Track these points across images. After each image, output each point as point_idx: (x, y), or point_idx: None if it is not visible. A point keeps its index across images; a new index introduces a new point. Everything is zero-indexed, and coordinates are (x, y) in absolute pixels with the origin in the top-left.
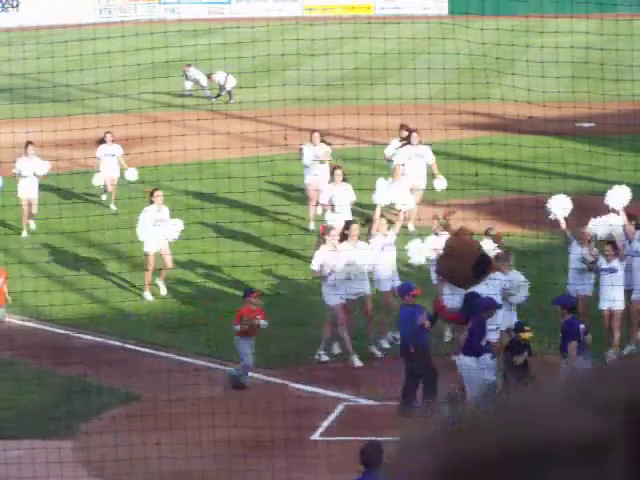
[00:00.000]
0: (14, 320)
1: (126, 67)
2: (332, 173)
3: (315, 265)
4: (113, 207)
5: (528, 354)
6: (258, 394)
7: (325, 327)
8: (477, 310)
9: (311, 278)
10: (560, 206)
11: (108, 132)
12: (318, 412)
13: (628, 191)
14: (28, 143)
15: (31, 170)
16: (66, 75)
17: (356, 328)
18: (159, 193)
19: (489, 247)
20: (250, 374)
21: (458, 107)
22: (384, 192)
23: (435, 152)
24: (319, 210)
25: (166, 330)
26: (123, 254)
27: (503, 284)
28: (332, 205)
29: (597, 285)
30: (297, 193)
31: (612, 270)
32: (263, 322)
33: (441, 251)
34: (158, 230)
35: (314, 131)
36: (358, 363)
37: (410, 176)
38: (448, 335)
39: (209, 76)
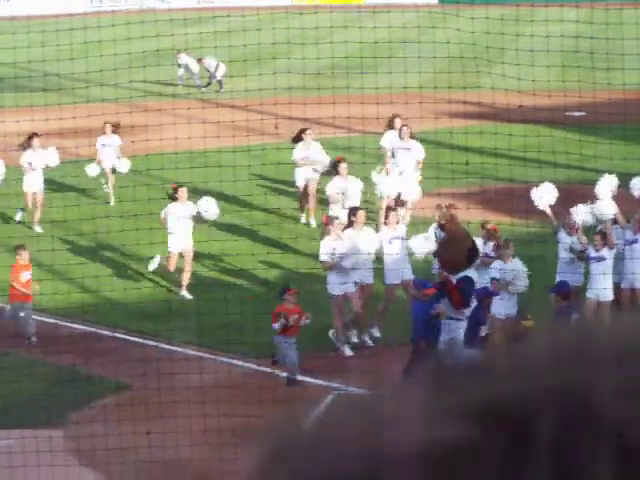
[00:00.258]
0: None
1: (117, 56)
2: (336, 166)
3: (323, 256)
4: (111, 201)
5: None
6: (248, 383)
7: (335, 319)
8: (478, 301)
9: (302, 268)
10: (545, 195)
11: (108, 122)
12: (308, 401)
13: (615, 179)
14: (33, 135)
15: (41, 162)
16: (57, 64)
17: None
18: (183, 189)
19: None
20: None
21: (448, 96)
22: (390, 184)
23: (425, 141)
24: (312, 204)
25: (155, 319)
26: (113, 243)
27: (503, 273)
28: (341, 195)
29: (587, 275)
30: (288, 182)
31: (600, 259)
32: (304, 322)
33: (439, 236)
34: (182, 228)
35: (305, 129)
36: (349, 352)
37: (395, 181)
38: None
39: (199, 60)
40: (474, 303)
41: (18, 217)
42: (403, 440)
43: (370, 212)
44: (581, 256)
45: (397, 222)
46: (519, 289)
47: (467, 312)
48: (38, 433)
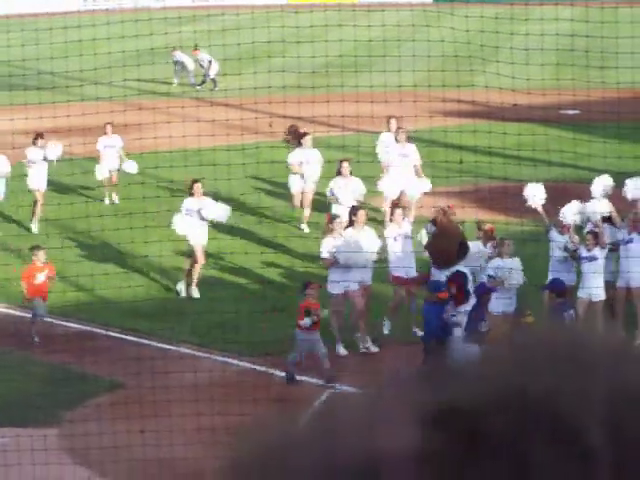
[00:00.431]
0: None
1: (111, 54)
2: (339, 166)
3: (324, 253)
4: (108, 201)
5: None
6: (243, 382)
7: (332, 318)
8: (477, 297)
9: (297, 266)
10: (537, 194)
11: (108, 123)
12: (303, 400)
13: (610, 180)
14: (37, 136)
15: (45, 156)
16: (51, 62)
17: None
18: (199, 185)
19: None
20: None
21: (442, 95)
22: (393, 183)
23: (419, 139)
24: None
25: (149, 318)
26: (108, 241)
27: (499, 271)
28: (337, 198)
29: (578, 274)
30: (283, 181)
31: (592, 258)
32: (325, 311)
33: (431, 231)
34: (197, 223)
35: (305, 134)
36: (343, 352)
37: (397, 181)
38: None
39: (194, 48)
40: (473, 299)
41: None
42: (357, 447)
43: (372, 211)
44: (573, 255)
45: (403, 219)
46: (514, 286)
47: (467, 307)
48: (33, 432)
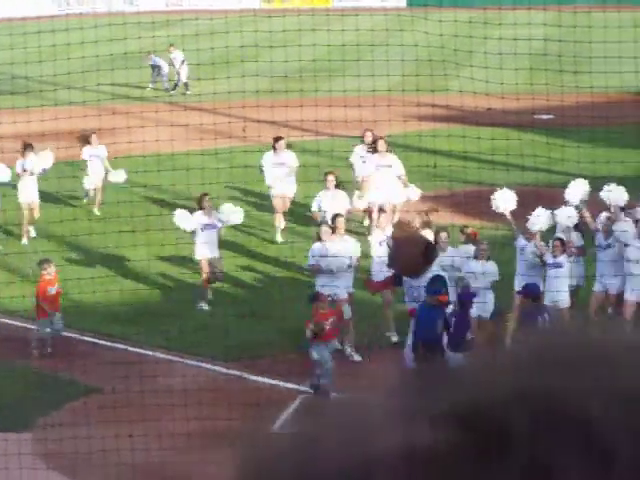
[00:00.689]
0: None
1: (85, 59)
2: (324, 179)
3: (310, 259)
4: (96, 212)
5: None
6: (217, 386)
7: None
8: (463, 303)
9: (270, 271)
10: (506, 200)
11: (94, 132)
12: (277, 404)
13: (586, 184)
14: (26, 146)
15: (37, 167)
16: (25, 67)
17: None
18: (207, 198)
19: (427, 233)
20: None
21: (416, 99)
22: (377, 190)
23: (393, 144)
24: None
25: (124, 322)
26: (81, 245)
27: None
28: (323, 212)
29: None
30: (255, 185)
31: (558, 265)
32: (346, 309)
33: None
34: (209, 236)
35: (279, 138)
36: (358, 358)
37: (380, 189)
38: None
39: (170, 46)
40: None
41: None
42: (384, 443)
43: (352, 221)
44: (543, 261)
45: (387, 225)
46: (479, 289)
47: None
48: (7, 436)
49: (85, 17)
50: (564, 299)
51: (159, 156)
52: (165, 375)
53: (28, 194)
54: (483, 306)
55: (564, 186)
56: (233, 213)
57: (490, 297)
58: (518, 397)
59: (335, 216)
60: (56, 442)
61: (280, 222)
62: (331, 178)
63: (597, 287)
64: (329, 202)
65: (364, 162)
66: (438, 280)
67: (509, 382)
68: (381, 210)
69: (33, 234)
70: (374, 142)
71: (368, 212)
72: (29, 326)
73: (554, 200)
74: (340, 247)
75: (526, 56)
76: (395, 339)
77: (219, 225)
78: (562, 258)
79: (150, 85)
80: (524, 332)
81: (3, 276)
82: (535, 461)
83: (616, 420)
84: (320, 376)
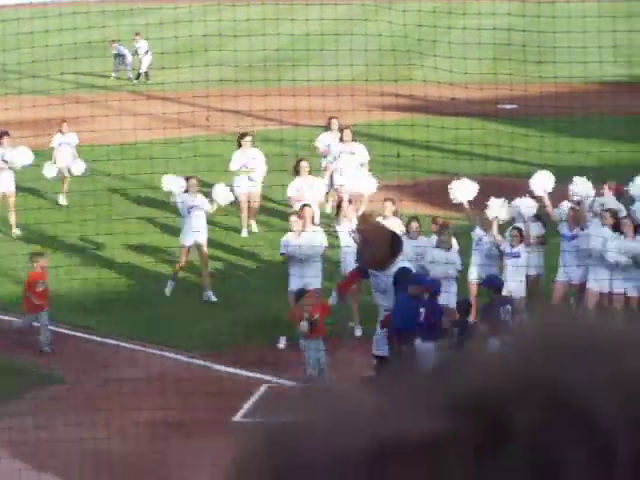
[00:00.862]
0: None
1: (49, 48)
2: (297, 165)
3: (282, 248)
4: (62, 201)
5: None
6: (180, 376)
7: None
8: (432, 293)
9: (233, 260)
10: (464, 190)
11: (64, 120)
12: (240, 393)
13: (551, 176)
14: (3, 134)
15: (16, 162)
16: None
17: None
18: (194, 182)
19: (394, 225)
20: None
21: (380, 89)
22: (351, 180)
23: (357, 134)
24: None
25: (88, 311)
26: (45, 234)
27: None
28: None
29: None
30: (220, 175)
31: (515, 255)
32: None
33: (357, 240)
34: (194, 221)
35: (244, 135)
36: (282, 345)
37: (343, 176)
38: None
39: (135, 34)
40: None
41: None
42: (386, 432)
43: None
44: (498, 251)
45: (354, 215)
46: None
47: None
48: None
49: (49, 6)
50: (521, 289)
51: (122, 145)
52: (128, 365)
53: (3, 185)
54: (447, 296)
55: (528, 176)
56: (223, 194)
57: (454, 287)
58: (520, 390)
59: (303, 206)
60: (18, 431)
61: (247, 221)
62: (304, 164)
63: (560, 277)
64: (305, 190)
65: (328, 148)
66: (405, 272)
67: (510, 374)
68: (349, 201)
69: (13, 222)
70: (340, 130)
71: (336, 202)
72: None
73: (517, 190)
74: (309, 237)
75: (490, 46)
76: (359, 332)
77: (205, 208)
78: (520, 248)
79: (113, 74)
80: (527, 324)
81: None
82: (537, 454)
83: (618, 414)
84: (311, 369)
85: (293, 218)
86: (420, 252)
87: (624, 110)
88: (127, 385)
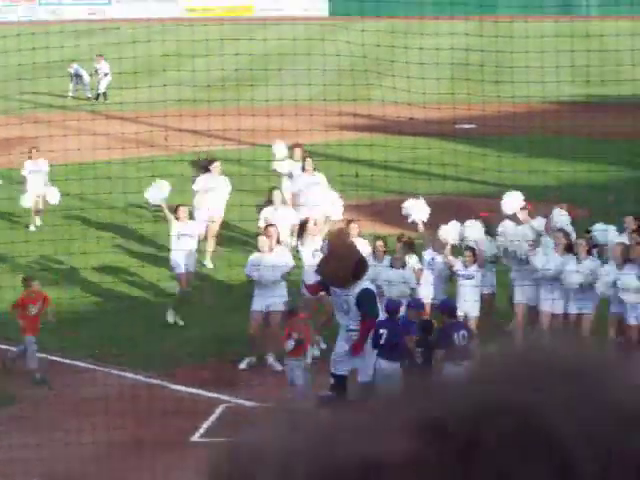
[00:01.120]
0: None
1: (7, 67)
2: (271, 196)
3: (247, 269)
4: (33, 227)
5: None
6: (138, 395)
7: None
8: (393, 312)
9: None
10: (417, 209)
11: (34, 147)
12: (198, 413)
13: (521, 196)
14: None
15: None
16: None
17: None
18: (184, 209)
19: (364, 249)
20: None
21: (339, 108)
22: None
23: (315, 153)
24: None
25: (46, 331)
26: (5, 255)
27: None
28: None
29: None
30: (178, 195)
31: (469, 277)
32: (312, 346)
33: (324, 251)
34: (186, 245)
35: (213, 161)
36: (243, 366)
37: (308, 206)
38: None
39: (98, 56)
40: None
41: None
42: (351, 454)
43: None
44: (453, 273)
45: (319, 235)
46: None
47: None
48: None
49: (8, 25)
50: (474, 309)
51: (81, 165)
52: (86, 384)
53: None
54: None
55: (485, 195)
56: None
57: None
58: (487, 411)
59: (267, 226)
60: None
61: (210, 246)
62: (277, 193)
63: (518, 298)
64: (277, 219)
65: (292, 178)
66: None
67: (479, 396)
68: (314, 222)
69: None
70: (303, 160)
71: (300, 225)
72: None
73: (475, 209)
74: (275, 258)
75: (448, 66)
76: (318, 350)
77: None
78: (473, 268)
79: (70, 94)
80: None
81: None
82: (501, 474)
83: (577, 434)
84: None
85: (262, 238)
86: (375, 272)
87: (582, 130)
88: (84, 404)
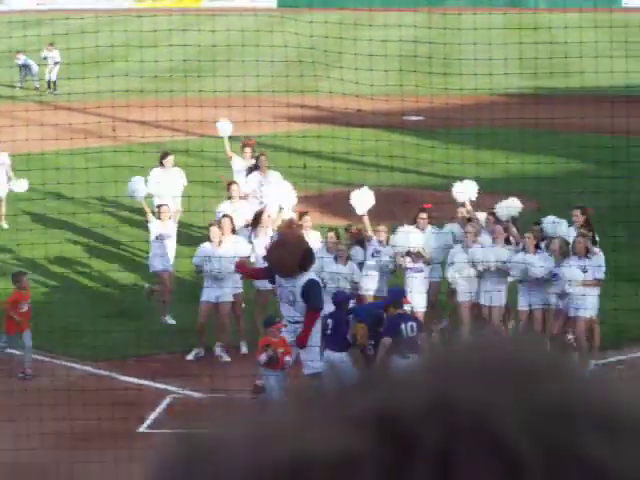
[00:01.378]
0: None
1: None
2: (229, 190)
3: (195, 259)
4: (4, 225)
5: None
6: (86, 386)
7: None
8: (340, 303)
9: (139, 271)
10: (362, 200)
11: None
12: (145, 404)
13: (474, 184)
14: None
15: None
16: None
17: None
18: (165, 209)
19: (314, 238)
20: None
21: (286, 100)
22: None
23: (263, 145)
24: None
25: None
26: None
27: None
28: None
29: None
30: (124, 185)
31: (418, 270)
32: (288, 359)
33: (273, 240)
34: (165, 246)
35: (167, 154)
36: (190, 357)
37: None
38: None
39: (49, 44)
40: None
41: None
42: (284, 452)
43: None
44: (395, 268)
45: (271, 226)
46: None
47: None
48: None
49: None
50: (422, 302)
51: (29, 156)
52: (35, 375)
53: None
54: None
55: (433, 187)
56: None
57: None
58: (433, 408)
59: (223, 216)
60: None
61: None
62: (235, 188)
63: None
64: (238, 213)
65: (245, 176)
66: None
67: (425, 391)
68: (267, 213)
69: None
70: (256, 159)
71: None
72: None
73: (422, 201)
74: (228, 248)
75: (396, 58)
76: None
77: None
78: (421, 263)
79: (18, 84)
80: (445, 342)
81: None
82: (443, 474)
83: (524, 435)
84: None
85: (213, 228)
86: (320, 265)
87: (530, 122)
88: (32, 395)
